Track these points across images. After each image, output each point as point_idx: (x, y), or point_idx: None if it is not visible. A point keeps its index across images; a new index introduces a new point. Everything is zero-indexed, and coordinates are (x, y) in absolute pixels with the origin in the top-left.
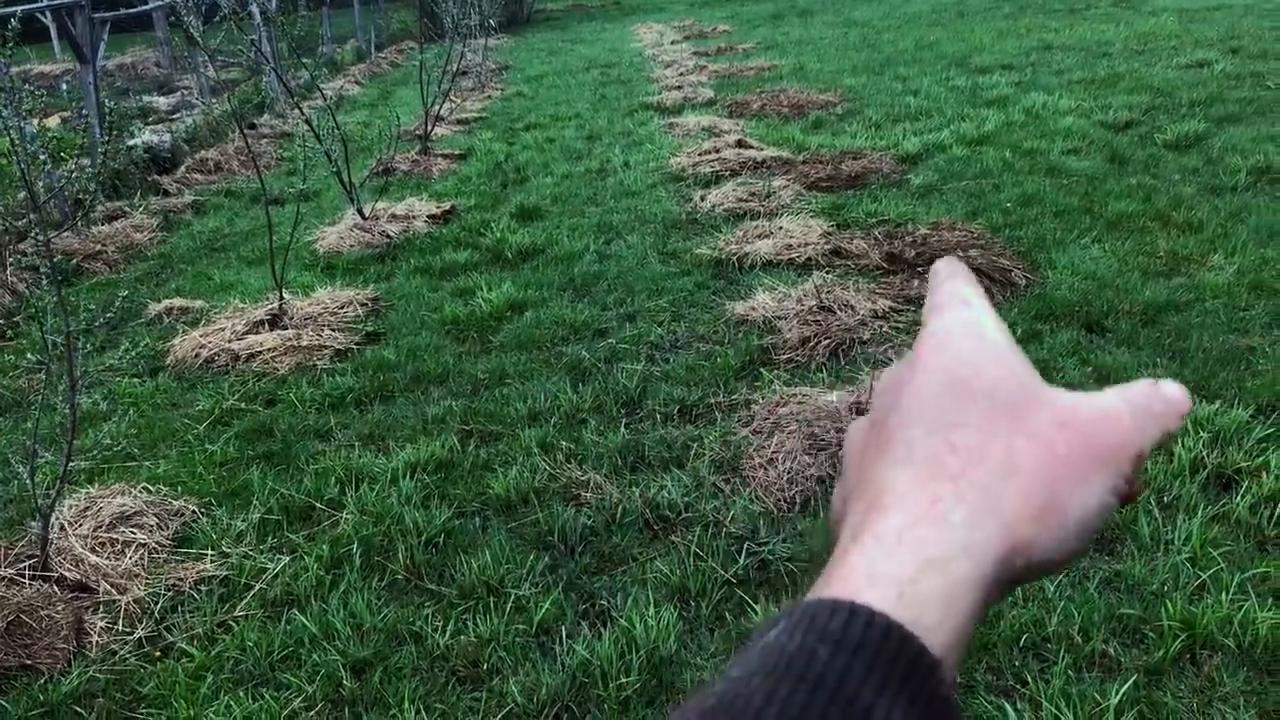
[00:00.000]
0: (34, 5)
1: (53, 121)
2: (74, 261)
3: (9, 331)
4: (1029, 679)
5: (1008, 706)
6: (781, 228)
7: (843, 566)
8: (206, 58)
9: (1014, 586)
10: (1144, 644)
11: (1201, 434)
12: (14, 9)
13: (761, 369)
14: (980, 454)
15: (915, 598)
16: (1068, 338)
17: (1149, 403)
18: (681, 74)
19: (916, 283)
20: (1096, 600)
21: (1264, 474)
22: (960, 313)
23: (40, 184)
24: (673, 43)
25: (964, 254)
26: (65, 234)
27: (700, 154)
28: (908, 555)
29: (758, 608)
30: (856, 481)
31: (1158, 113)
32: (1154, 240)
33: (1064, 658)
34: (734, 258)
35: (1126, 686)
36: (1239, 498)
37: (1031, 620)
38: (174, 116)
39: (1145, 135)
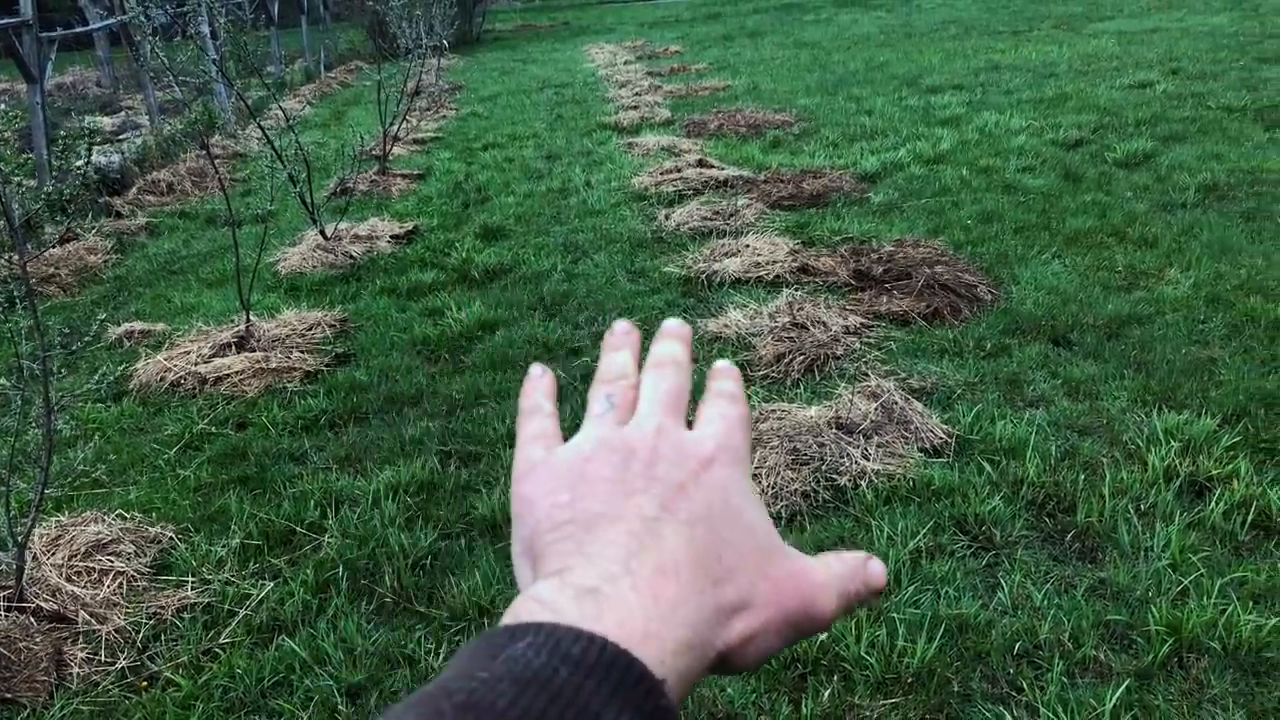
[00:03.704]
0: None
1: None
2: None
3: None
4: (1024, 685)
5: (1006, 714)
6: (748, 246)
7: (618, 607)
8: (170, 76)
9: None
10: (1133, 649)
11: (1173, 443)
12: None
13: None
14: (735, 577)
15: (671, 669)
16: (1036, 351)
17: (848, 584)
18: (637, 94)
19: (885, 299)
20: (1085, 607)
21: (1234, 481)
22: (742, 445)
23: (17, 207)
24: (625, 63)
25: (929, 269)
26: (12, 255)
27: (662, 173)
28: (675, 629)
29: None
30: (611, 501)
31: (1106, 131)
32: (1112, 255)
33: (1057, 664)
34: (703, 276)
35: (1120, 691)
36: (1213, 504)
37: (1023, 628)
38: (120, 137)
39: (1096, 153)
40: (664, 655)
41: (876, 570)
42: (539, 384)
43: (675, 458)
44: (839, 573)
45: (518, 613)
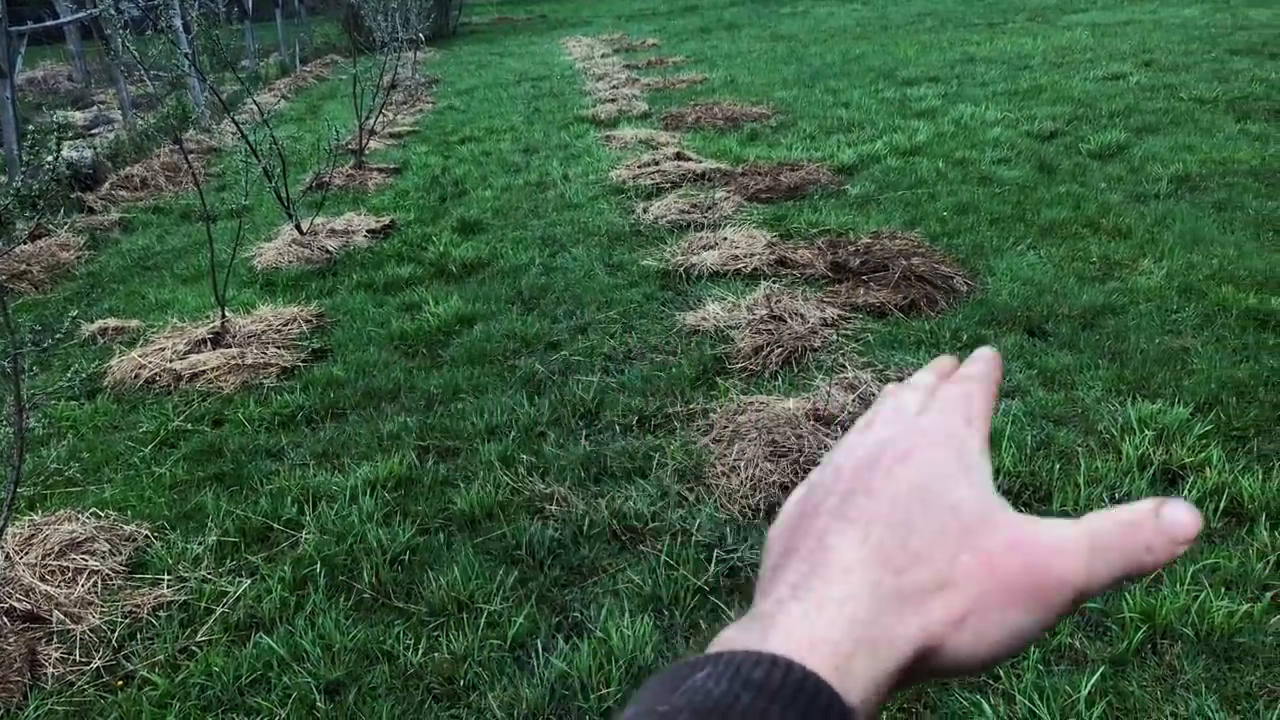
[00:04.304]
0: None
1: None
2: None
3: None
4: (1001, 674)
5: (983, 702)
6: (726, 238)
7: (783, 623)
8: (142, 70)
9: (918, 679)
10: (1107, 636)
11: (1146, 432)
12: None
13: (717, 378)
14: (926, 558)
15: (848, 671)
16: (1012, 342)
17: (1125, 538)
18: (614, 87)
19: (862, 291)
20: None
21: (1207, 469)
22: (955, 424)
23: None
24: (603, 56)
25: (906, 261)
26: None
27: (640, 166)
28: (845, 628)
29: (732, 614)
30: (800, 536)
31: (1080, 123)
32: (1086, 246)
33: (1033, 652)
34: (681, 269)
35: (1094, 678)
36: (1185, 492)
37: None
38: (93, 132)
39: (1070, 145)
40: (838, 659)
41: (1176, 515)
42: None
43: (868, 460)
44: (1102, 528)
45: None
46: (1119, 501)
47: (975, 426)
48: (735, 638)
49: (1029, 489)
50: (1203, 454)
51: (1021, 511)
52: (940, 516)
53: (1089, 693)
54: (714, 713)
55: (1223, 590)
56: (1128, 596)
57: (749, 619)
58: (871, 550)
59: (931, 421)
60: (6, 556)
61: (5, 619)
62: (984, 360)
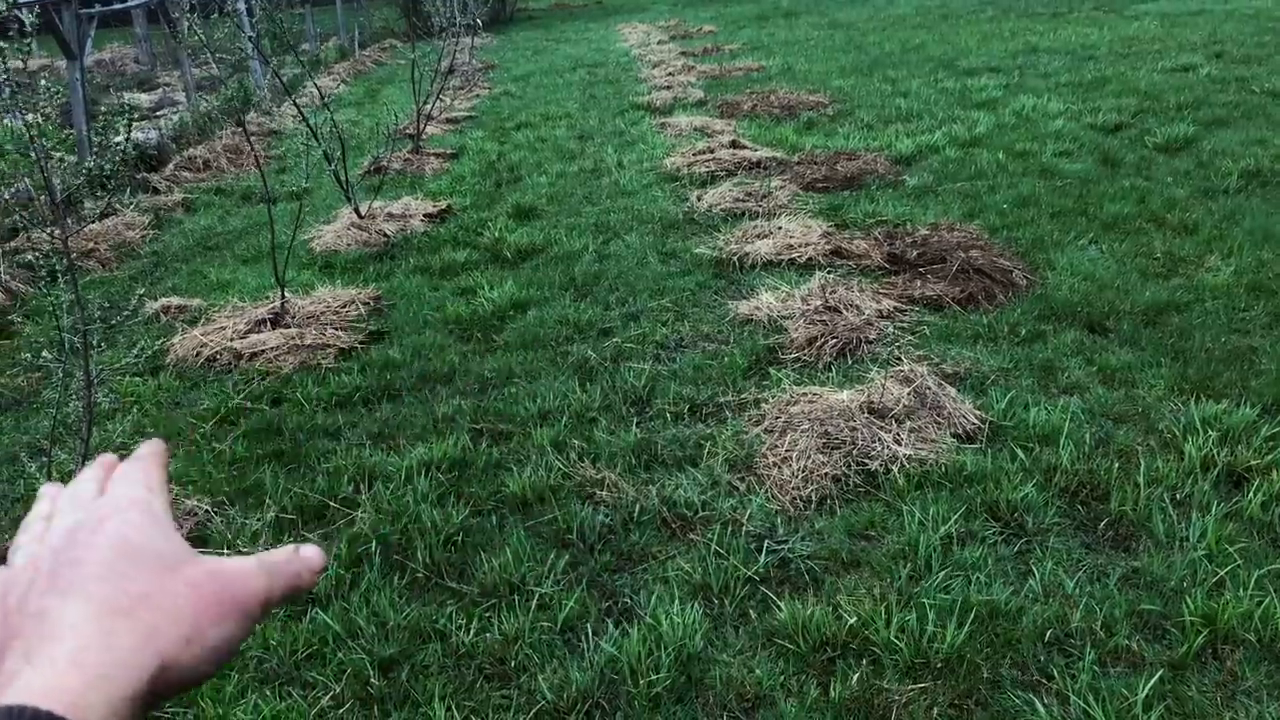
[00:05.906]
0: (22, 1)
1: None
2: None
3: (3, 330)
4: (1055, 674)
5: (1036, 701)
6: (780, 228)
7: (19, 684)
8: (206, 53)
9: (162, 696)
10: (1166, 639)
11: (1210, 433)
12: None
13: (769, 368)
14: (149, 597)
15: (87, 705)
16: (1071, 338)
17: (285, 564)
18: (670, 74)
19: (919, 283)
20: (1117, 596)
21: (1274, 472)
22: (139, 492)
23: (58, 182)
24: (659, 43)
25: (965, 254)
26: (54, 230)
27: (694, 154)
28: (79, 673)
29: (782, 604)
30: (17, 625)
31: (1146, 116)
32: (1150, 241)
33: (1089, 652)
34: (734, 257)
35: (1153, 681)
36: (1251, 495)
37: (1055, 616)
38: (158, 114)
39: (1135, 138)
40: (73, 696)
41: (308, 553)
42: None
43: (65, 542)
44: (273, 560)
45: None
46: (1180, 504)
47: (156, 492)
48: None
49: (1086, 488)
50: (1270, 456)
51: (1079, 510)
52: (149, 562)
53: (1146, 696)
54: None
55: None
56: (1188, 600)
57: None
58: (97, 606)
59: (117, 494)
60: None
61: None
62: (150, 446)
